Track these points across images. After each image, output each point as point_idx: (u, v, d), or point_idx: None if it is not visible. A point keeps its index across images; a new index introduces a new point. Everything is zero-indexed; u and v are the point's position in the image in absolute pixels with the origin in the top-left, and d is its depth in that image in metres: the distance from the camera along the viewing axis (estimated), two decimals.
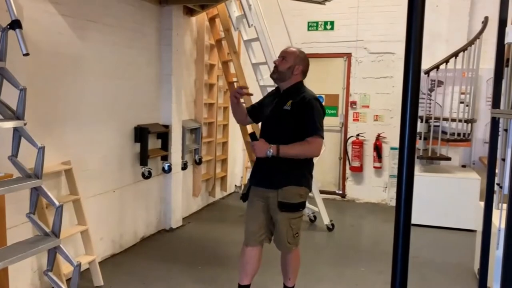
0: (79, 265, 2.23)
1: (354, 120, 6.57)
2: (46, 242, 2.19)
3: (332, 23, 6.54)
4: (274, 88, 3.27)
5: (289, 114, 2.80)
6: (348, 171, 6.66)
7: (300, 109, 2.79)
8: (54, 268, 2.34)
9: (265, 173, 2.90)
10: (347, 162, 6.64)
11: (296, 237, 2.93)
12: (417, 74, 1.18)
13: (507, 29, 2.73)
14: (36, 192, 2.25)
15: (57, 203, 2.20)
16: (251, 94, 3.33)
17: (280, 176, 2.83)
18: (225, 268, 3.92)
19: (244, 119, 3.25)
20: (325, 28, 6.59)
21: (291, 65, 2.89)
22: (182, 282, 3.66)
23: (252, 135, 2.84)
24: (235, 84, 5.70)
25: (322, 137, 2.78)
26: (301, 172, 2.91)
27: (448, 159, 5.42)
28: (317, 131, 2.75)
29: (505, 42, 2.75)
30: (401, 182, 1.21)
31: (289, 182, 2.83)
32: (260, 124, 3.14)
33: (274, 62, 2.95)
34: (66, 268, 3.19)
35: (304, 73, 2.97)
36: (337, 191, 6.74)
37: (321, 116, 2.84)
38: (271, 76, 3.02)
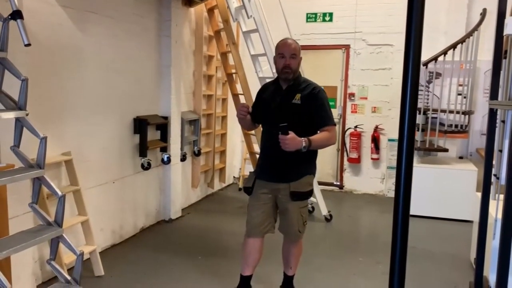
0: (82, 254, 2.26)
1: (352, 111, 6.59)
2: (49, 232, 2.20)
3: (330, 14, 6.52)
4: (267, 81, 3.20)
5: (300, 107, 2.79)
6: (346, 162, 6.69)
7: (312, 101, 2.80)
8: (56, 258, 2.37)
9: (276, 167, 2.87)
10: (345, 154, 6.67)
11: (305, 225, 2.96)
12: (417, 66, 1.18)
13: (506, 21, 2.73)
14: (39, 182, 2.26)
15: (59, 193, 2.22)
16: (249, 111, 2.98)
17: (293, 170, 2.83)
18: (224, 258, 3.96)
19: (253, 127, 3.27)
20: (323, 20, 6.57)
21: (300, 59, 2.88)
22: (182, 272, 3.70)
23: (283, 128, 2.57)
24: (235, 82, 5.71)
25: (336, 125, 2.86)
26: (312, 161, 2.95)
27: (446, 150, 5.46)
28: (332, 120, 2.83)
29: (504, 33, 2.75)
30: (400, 173, 1.21)
31: (302, 174, 2.86)
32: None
33: (286, 64, 2.78)
34: (67, 258, 3.22)
35: None
36: (335, 183, 6.78)
37: (330, 106, 2.89)
38: (287, 77, 2.83)
